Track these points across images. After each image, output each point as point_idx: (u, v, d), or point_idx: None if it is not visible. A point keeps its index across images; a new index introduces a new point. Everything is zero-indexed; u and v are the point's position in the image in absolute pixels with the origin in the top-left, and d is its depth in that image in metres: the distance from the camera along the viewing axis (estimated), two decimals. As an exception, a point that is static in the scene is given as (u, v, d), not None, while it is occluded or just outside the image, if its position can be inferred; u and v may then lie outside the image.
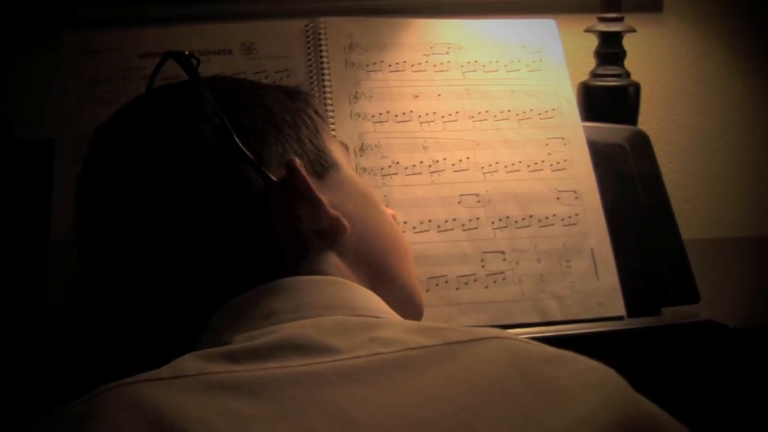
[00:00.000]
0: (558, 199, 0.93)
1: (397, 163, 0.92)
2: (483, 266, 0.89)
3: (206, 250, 0.62)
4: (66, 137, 0.90)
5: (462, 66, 0.98)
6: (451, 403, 0.51)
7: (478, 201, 0.92)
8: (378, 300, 0.64)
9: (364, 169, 0.91)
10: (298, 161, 0.65)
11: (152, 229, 0.63)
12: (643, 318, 0.89)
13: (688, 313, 0.90)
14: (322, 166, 0.67)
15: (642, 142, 1.01)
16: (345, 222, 0.65)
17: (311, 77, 0.95)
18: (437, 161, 0.93)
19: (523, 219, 0.92)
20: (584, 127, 0.98)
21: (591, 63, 1.16)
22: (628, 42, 1.15)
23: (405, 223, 0.89)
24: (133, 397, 0.51)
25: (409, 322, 0.61)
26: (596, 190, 0.94)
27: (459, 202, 0.91)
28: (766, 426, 0.89)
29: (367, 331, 0.56)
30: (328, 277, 0.63)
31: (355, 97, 0.95)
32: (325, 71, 0.95)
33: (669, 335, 0.87)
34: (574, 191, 0.94)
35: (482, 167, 0.93)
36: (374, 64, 0.97)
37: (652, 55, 1.31)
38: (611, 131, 1.02)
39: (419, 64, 0.98)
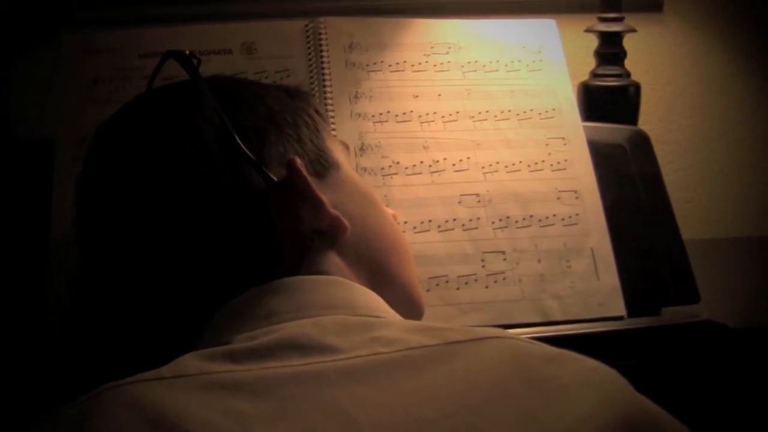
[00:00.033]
0: (558, 199, 0.93)
1: (398, 163, 0.92)
2: (483, 266, 0.89)
3: (207, 249, 0.62)
4: (66, 137, 0.90)
5: (462, 66, 0.98)
6: (451, 403, 0.51)
7: (479, 201, 0.92)
8: (378, 300, 0.64)
9: (365, 169, 0.91)
10: (298, 161, 0.65)
11: (152, 229, 0.63)
12: (644, 318, 0.89)
13: (689, 313, 0.90)
14: (323, 165, 0.67)
15: (642, 142, 1.01)
16: (345, 222, 0.65)
17: (311, 77, 0.95)
18: (437, 161, 0.93)
19: (524, 219, 0.92)
20: (584, 127, 0.98)
21: (591, 63, 1.16)
22: (628, 42, 1.15)
23: (405, 223, 0.89)
24: (134, 396, 0.51)
25: (410, 322, 0.61)
26: (596, 190, 0.94)
27: (459, 202, 0.91)
28: (766, 426, 0.89)
29: (367, 331, 0.56)
30: (329, 277, 0.63)
31: (356, 96, 0.95)
32: (326, 71, 0.95)
33: (669, 335, 0.87)
34: (575, 191, 0.94)
35: (482, 167, 0.93)
36: (374, 64, 0.97)
37: (652, 55, 1.31)
38: (611, 131, 1.02)
39: (419, 64, 0.98)
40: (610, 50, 1.14)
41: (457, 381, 0.53)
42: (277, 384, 0.52)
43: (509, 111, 0.97)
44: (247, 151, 0.63)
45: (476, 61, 0.99)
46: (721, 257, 1.16)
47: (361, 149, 0.92)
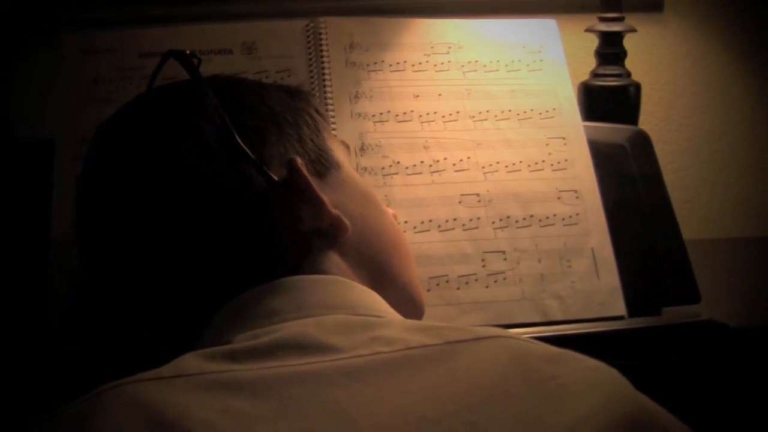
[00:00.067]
0: (559, 198, 0.93)
1: (398, 162, 0.92)
2: (484, 266, 0.89)
3: (207, 249, 0.62)
4: (66, 137, 0.90)
5: (462, 66, 0.98)
6: (452, 402, 0.51)
7: (479, 201, 0.92)
8: (379, 299, 0.64)
9: (365, 169, 0.91)
10: (299, 160, 0.65)
11: (153, 229, 0.63)
12: (644, 318, 0.89)
13: (689, 313, 0.90)
14: (323, 165, 0.67)
15: (643, 141, 1.01)
16: (346, 221, 0.65)
17: (312, 77, 0.95)
18: (438, 161, 0.93)
19: (524, 219, 0.92)
20: (585, 126, 0.98)
21: (591, 63, 1.16)
22: (628, 42, 1.15)
23: (406, 222, 0.89)
24: (134, 396, 0.51)
25: (411, 322, 0.61)
26: (597, 189, 0.94)
27: (460, 202, 0.91)
28: (766, 426, 0.89)
29: (368, 331, 0.56)
30: (330, 277, 0.63)
31: (356, 96, 0.95)
32: (326, 71, 0.95)
33: (670, 335, 0.87)
34: (575, 191, 0.94)
35: (483, 167, 0.93)
36: (375, 63, 0.96)
37: (652, 55, 1.31)
38: (612, 131, 1.02)
39: (420, 63, 0.97)
40: (611, 50, 1.14)
41: (458, 380, 0.53)
42: (278, 383, 0.52)
43: (509, 111, 0.97)
44: (248, 151, 0.63)
45: (476, 61, 0.99)
46: (721, 257, 1.16)
47: (362, 149, 0.92)
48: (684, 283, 0.92)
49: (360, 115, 0.94)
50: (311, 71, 0.96)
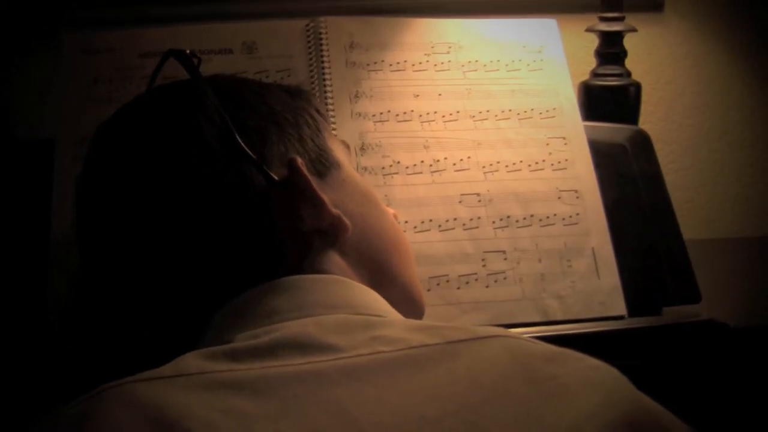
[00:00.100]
0: (559, 198, 0.93)
1: (398, 162, 0.92)
2: (484, 266, 0.89)
3: (208, 249, 0.62)
4: (66, 137, 0.90)
5: (463, 65, 0.98)
6: (453, 402, 0.51)
7: (479, 200, 0.92)
8: (380, 299, 0.64)
9: (365, 169, 0.91)
10: (299, 160, 0.65)
11: (153, 228, 0.63)
12: (644, 317, 0.89)
13: (689, 313, 0.90)
14: (324, 165, 0.67)
15: (643, 141, 1.01)
16: (346, 221, 0.65)
17: (312, 77, 0.95)
18: (438, 161, 0.93)
19: (524, 218, 0.92)
20: (585, 126, 0.98)
21: (592, 62, 1.16)
22: (628, 42, 1.15)
23: (406, 222, 0.89)
24: (135, 395, 0.51)
25: (411, 321, 0.61)
26: (597, 189, 0.94)
27: (460, 202, 0.91)
28: (766, 426, 0.89)
29: (368, 330, 0.56)
30: (330, 276, 0.63)
31: (356, 96, 0.95)
32: (326, 71, 0.95)
33: (670, 334, 0.87)
34: (575, 191, 0.94)
35: (483, 167, 0.93)
36: (375, 63, 0.96)
37: (652, 54, 1.31)
38: (612, 131, 1.02)
39: (420, 63, 0.97)
40: (611, 50, 1.14)
41: (459, 380, 0.53)
42: (279, 383, 0.52)
43: (510, 110, 0.97)
44: (249, 151, 0.63)
45: (477, 61, 0.99)
46: (721, 257, 1.16)
47: (362, 149, 0.92)
48: (684, 283, 0.92)
49: (360, 114, 0.94)
50: (311, 71, 0.96)
